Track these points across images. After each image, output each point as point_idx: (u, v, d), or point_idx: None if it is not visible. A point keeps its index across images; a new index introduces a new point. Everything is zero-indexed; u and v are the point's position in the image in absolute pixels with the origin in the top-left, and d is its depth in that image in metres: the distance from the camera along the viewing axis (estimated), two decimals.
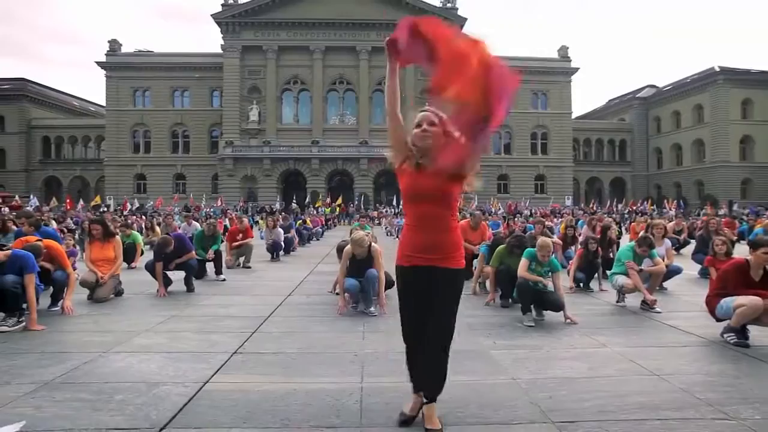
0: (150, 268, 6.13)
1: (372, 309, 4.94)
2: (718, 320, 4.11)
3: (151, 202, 39.29)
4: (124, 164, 46.83)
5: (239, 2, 44.06)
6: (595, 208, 39.89)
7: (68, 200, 37.08)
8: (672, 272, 6.54)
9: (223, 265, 7.86)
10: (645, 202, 42.14)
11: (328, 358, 3.53)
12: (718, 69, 49.28)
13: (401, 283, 2.38)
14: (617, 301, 5.60)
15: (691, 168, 50.28)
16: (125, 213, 32.80)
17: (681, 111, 51.75)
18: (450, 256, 2.22)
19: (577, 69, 50.39)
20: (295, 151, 43.52)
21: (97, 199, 38.64)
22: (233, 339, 3.98)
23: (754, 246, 3.99)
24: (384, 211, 37.26)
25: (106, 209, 37.32)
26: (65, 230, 14.56)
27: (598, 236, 7.67)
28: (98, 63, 47.27)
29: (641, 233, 6.78)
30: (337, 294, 5.38)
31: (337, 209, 36.95)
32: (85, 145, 52.01)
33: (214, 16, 44.13)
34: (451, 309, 2.27)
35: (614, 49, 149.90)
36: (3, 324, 4.10)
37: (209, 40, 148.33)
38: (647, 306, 5.19)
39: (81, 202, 38.94)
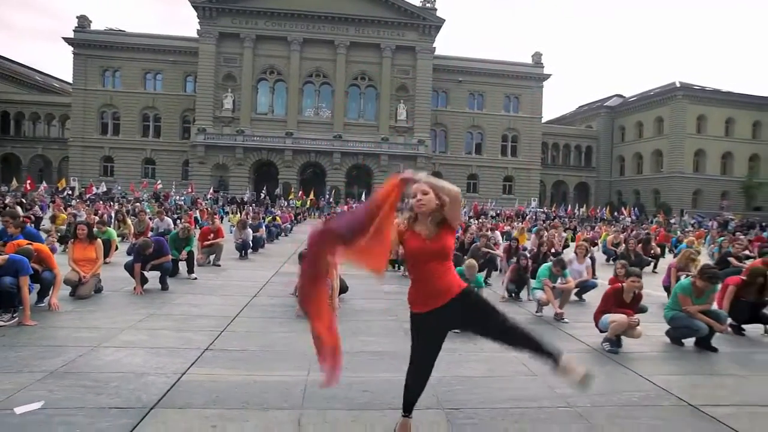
0: (129, 268, 6.77)
1: None
2: (601, 332, 5.14)
3: (119, 187, 38.72)
4: (91, 146, 45.79)
5: None
6: (557, 213, 41.85)
7: (29, 180, 36.15)
8: (589, 286, 7.67)
9: (195, 264, 8.52)
10: (604, 209, 44.42)
11: (283, 355, 4.36)
12: (678, 84, 52.16)
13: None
14: (536, 312, 6.62)
15: (650, 177, 53.16)
16: (89, 197, 32.40)
17: (644, 122, 54.50)
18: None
19: (549, 75, 52.10)
20: (268, 141, 43.62)
21: (62, 183, 37.75)
22: (205, 337, 4.74)
23: (626, 275, 5.04)
24: (354, 206, 37.99)
25: (71, 192, 36.65)
26: (32, 218, 14.74)
27: (534, 250, 8.71)
28: (66, 39, 45.80)
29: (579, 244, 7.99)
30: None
31: (309, 203, 37.46)
32: (48, 123, 50.34)
33: (191, 0, 43.48)
34: None
35: (587, 56, 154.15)
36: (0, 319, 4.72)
37: (182, 23, 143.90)
38: (558, 317, 6.23)
39: (44, 183, 37.99)
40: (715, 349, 5.08)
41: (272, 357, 4.29)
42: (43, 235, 8.62)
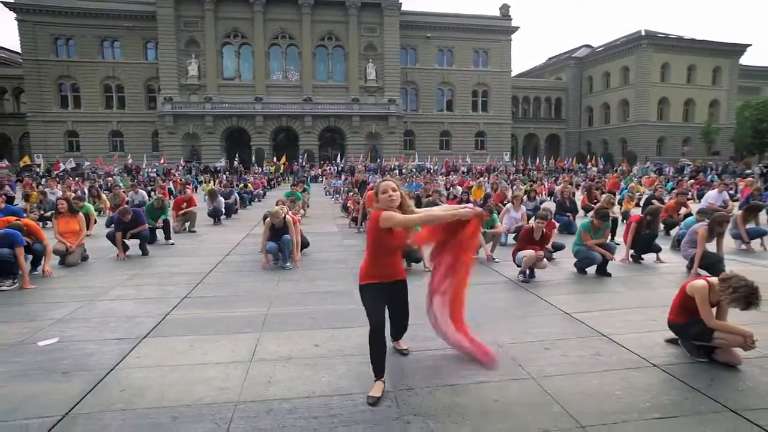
0: (111, 237, 7.50)
1: (288, 264, 6.71)
2: (518, 266, 6.20)
3: (88, 162, 38.10)
4: (52, 120, 44.24)
5: None
6: (525, 165, 43.18)
7: None
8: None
9: (171, 231, 9.26)
10: (571, 160, 45.91)
11: (249, 298, 5.28)
12: (643, 33, 52.78)
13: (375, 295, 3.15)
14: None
15: (617, 126, 54.69)
16: (58, 173, 32.01)
17: (611, 71, 55.38)
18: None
19: (517, 28, 52.03)
20: (238, 108, 43.09)
21: (26, 159, 36.91)
22: (183, 288, 5.62)
23: (536, 218, 6.06)
24: (327, 168, 38.44)
25: (37, 168, 36.00)
26: (5, 197, 15.02)
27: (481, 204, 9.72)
28: (5, 4, 42.96)
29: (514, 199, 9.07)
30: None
31: (282, 167, 37.72)
32: (0, 97, 48.30)
33: None
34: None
35: (556, 6, 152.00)
36: (2, 285, 5.48)
37: None
38: (488, 259, 7.28)
39: (5, 161, 37.09)
40: (609, 275, 6.21)
41: (239, 300, 5.21)
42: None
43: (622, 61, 53.68)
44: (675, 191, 13.70)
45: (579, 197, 13.90)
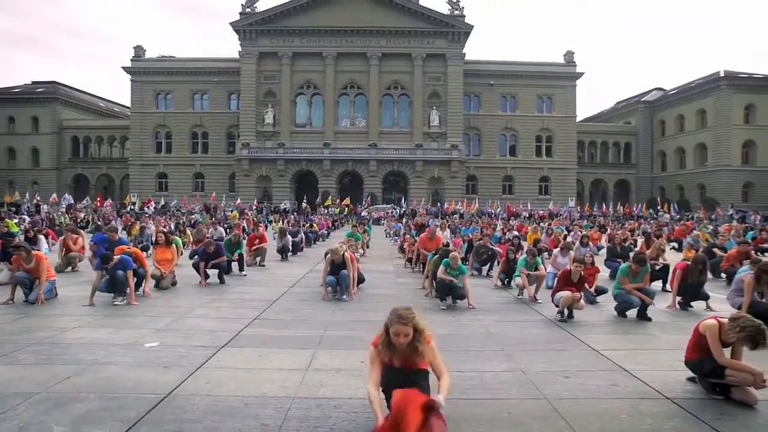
0: (195, 266, 8.77)
1: (344, 297, 7.48)
2: (556, 306, 6.50)
3: (175, 201, 42.31)
4: (148, 163, 50.04)
5: (256, 10, 46.72)
6: (591, 211, 41.79)
7: (99, 198, 40.50)
8: None
9: (245, 264, 10.46)
10: (640, 206, 43.77)
11: (308, 322, 6.07)
12: (722, 74, 50.31)
13: None
14: (518, 295, 8.02)
15: (694, 171, 51.61)
16: (148, 212, 35.87)
17: (685, 115, 53.03)
18: None
19: (582, 74, 51.92)
20: (307, 152, 46.22)
21: (128, 199, 41.82)
22: (254, 312, 6.55)
23: (574, 261, 6.40)
24: (389, 211, 39.63)
25: (133, 206, 40.57)
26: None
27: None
28: (124, 68, 50.32)
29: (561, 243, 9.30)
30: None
31: (346, 209, 39.45)
32: (110, 145, 55.46)
33: (233, 24, 46.88)
34: None
35: (625, 51, 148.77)
36: (115, 300, 6.75)
37: (215, 37, 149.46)
38: (531, 299, 7.60)
39: (110, 200, 42.25)
40: (649, 319, 6.33)
41: (300, 323, 6.02)
42: None
43: (698, 104, 51.34)
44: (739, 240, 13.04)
45: (639, 244, 13.64)
